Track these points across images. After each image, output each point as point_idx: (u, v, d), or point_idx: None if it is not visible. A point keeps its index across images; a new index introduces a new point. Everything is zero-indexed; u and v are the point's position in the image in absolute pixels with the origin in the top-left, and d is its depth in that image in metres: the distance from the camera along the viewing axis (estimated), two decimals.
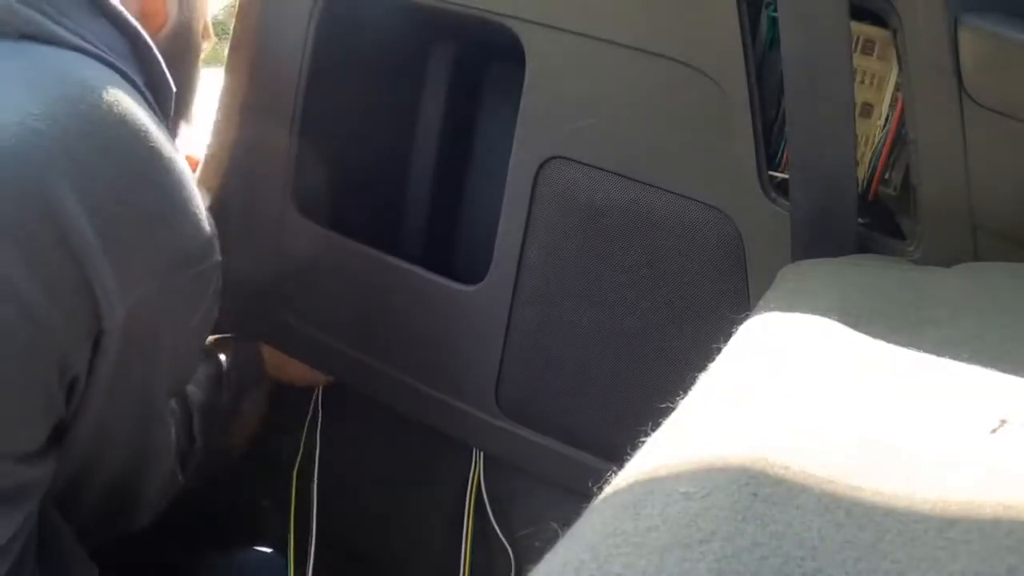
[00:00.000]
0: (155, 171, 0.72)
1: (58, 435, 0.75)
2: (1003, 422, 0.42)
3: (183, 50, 0.92)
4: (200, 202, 0.77)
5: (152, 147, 0.72)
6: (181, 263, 0.75)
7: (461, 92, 1.14)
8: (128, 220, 0.70)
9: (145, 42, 0.79)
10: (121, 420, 0.79)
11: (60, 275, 0.67)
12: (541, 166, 0.88)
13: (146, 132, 0.72)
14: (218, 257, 0.80)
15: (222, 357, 1.10)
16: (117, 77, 0.74)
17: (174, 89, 0.82)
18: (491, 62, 1.14)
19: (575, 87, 0.85)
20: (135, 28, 0.78)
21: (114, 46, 0.76)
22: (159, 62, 0.80)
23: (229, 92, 1.05)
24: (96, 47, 0.74)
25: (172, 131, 0.85)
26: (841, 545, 0.34)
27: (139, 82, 0.77)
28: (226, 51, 1.04)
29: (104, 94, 0.70)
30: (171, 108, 0.83)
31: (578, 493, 0.84)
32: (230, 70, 1.04)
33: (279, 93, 1.02)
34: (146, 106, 0.75)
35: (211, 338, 1.16)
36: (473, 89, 1.15)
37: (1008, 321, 0.54)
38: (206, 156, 1.09)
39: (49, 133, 0.66)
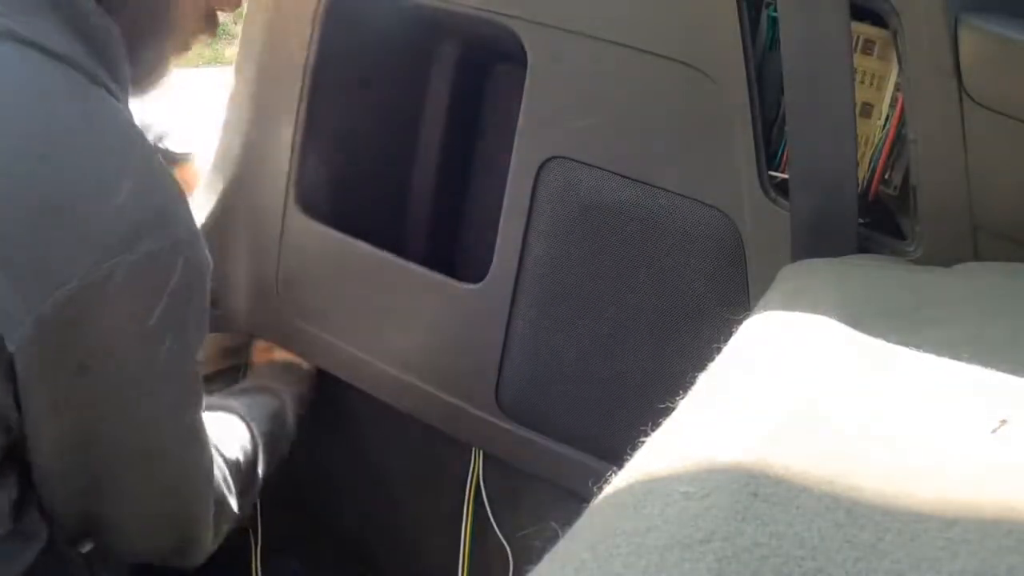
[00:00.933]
0: (54, 155, 0.63)
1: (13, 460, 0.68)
2: (1003, 422, 0.42)
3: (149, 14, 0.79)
4: (141, 178, 0.67)
5: (50, 129, 0.63)
6: (109, 250, 0.63)
7: (464, 92, 1.14)
8: (19, 219, 0.61)
9: (98, 29, 0.70)
10: (108, 442, 0.72)
11: None
12: (542, 166, 0.88)
13: (45, 113, 0.63)
14: (184, 231, 0.69)
15: (284, 392, 1.08)
16: (46, 61, 0.65)
17: (128, 67, 0.74)
18: (495, 62, 1.14)
19: (576, 87, 0.86)
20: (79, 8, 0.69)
21: (37, 13, 0.67)
22: (108, 37, 0.71)
23: (237, 92, 1.06)
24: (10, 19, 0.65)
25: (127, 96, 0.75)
26: (841, 545, 0.34)
27: (95, 71, 0.69)
28: (226, 51, 1.05)
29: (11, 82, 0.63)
30: (126, 81, 0.74)
31: (577, 494, 0.84)
32: (238, 71, 1.05)
33: (284, 93, 1.03)
34: (74, 81, 0.66)
35: (263, 371, 1.14)
36: (476, 89, 1.16)
37: (1008, 321, 0.54)
38: (215, 155, 1.10)
39: None
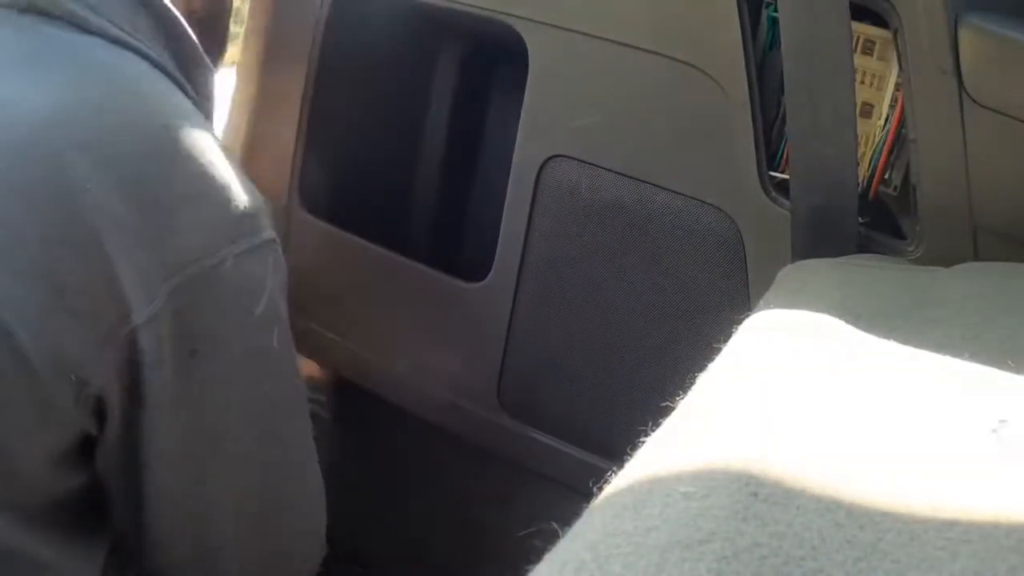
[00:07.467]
0: (179, 149, 0.66)
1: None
2: (1003, 422, 0.42)
3: (216, 16, 0.85)
4: (237, 177, 0.71)
5: (169, 124, 0.67)
6: (224, 241, 0.67)
7: (468, 91, 1.15)
8: (159, 200, 0.65)
9: (176, 22, 0.74)
10: (225, 449, 0.70)
11: (74, 270, 0.61)
12: (543, 164, 0.89)
13: (162, 109, 0.68)
14: (270, 233, 0.72)
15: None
16: (134, 58, 0.70)
17: (213, 70, 0.77)
18: (498, 62, 1.14)
19: (577, 85, 0.86)
20: (165, 9, 0.73)
21: (139, 25, 0.71)
22: (191, 41, 0.75)
23: (240, 90, 1.07)
24: (116, 26, 0.70)
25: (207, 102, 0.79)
26: (841, 545, 0.34)
27: (166, 64, 0.72)
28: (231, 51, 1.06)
29: (118, 76, 0.67)
30: (209, 86, 0.78)
31: (579, 491, 0.84)
32: (241, 69, 1.06)
33: (287, 91, 1.03)
34: (171, 85, 0.71)
35: None
36: (480, 88, 1.16)
37: (1008, 321, 0.54)
38: None
39: (60, 118, 0.63)
